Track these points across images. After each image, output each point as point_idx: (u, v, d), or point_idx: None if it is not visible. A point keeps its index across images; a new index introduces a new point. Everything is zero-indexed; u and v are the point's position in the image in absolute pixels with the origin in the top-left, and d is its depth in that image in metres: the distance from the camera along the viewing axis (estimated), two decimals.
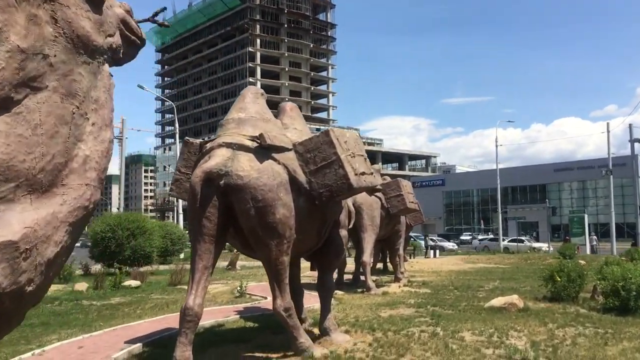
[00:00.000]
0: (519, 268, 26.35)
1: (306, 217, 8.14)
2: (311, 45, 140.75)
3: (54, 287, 19.54)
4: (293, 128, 9.12)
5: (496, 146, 50.24)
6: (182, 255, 39.59)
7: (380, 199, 16.30)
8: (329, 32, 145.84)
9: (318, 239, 8.84)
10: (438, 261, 32.40)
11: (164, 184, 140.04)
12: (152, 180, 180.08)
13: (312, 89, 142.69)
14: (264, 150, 7.74)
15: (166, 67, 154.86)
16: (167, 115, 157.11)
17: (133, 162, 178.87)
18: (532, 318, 11.07)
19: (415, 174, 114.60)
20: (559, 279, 13.54)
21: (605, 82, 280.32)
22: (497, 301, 12.14)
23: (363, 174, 8.29)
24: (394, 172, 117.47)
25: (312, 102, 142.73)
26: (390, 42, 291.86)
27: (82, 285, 18.73)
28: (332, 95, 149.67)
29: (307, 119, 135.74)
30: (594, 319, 11.16)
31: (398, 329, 9.91)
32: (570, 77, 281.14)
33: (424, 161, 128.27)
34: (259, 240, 7.63)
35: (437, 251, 38.61)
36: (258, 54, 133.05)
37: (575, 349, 8.55)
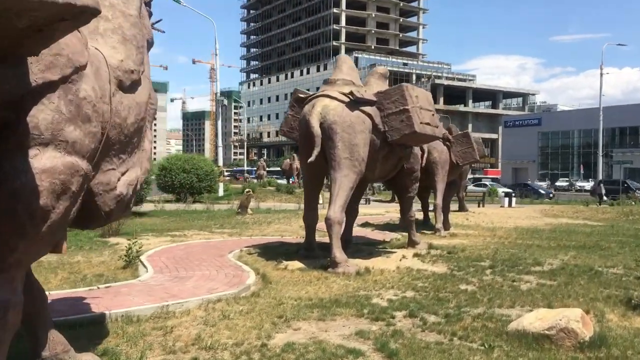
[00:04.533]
0: (614, 227, 19.11)
1: None
2: None
3: None
4: None
5: (601, 74, 41.11)
6: (220, 193, 35.09)
7: (370, 116, 9.96)
8: None
9: None
10: (509, 212, 25.49)
11: (249, 120, 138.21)
12: (237, 117, 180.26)
13: (401, 20, 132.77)
14: None
15: None
16: (251, 50, 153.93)
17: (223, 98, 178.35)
18: None
19: (510, 112, 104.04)
20: None
21: None
22: (536, 320, 5.70)
23: None
24: (486, 110, 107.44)
25: (401, 35, 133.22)
26: None
27: None
28: (423, 28, 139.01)
29: (395, 53, 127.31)
30: None
31: None
32: None
33: (520, 99, 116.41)
34: None
35: (513, 199, 31.39)
36: None
37: None
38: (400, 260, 10.46)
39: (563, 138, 78.29)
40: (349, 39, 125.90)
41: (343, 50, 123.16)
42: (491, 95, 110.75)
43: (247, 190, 22.46)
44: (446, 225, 17.63)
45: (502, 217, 22.59)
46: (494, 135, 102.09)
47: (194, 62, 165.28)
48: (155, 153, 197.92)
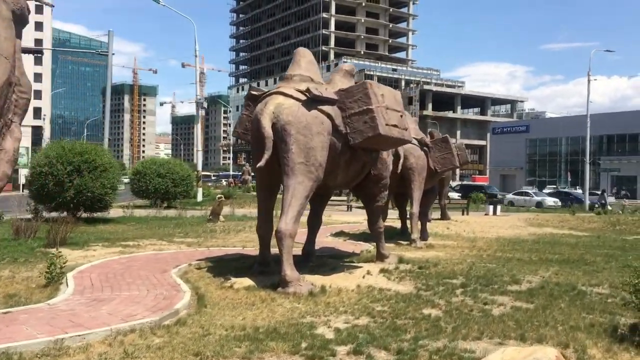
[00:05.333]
0: (600, 239, 18.22)
1: None
2: None
3: None
4: None
5: (588, 80, 40.36)
6: (199, 198, 33.89)
7: (330, 116, 8.93)
8: None
9: None
10: (493, 221, 24.56)
11: None
12: (226, 122, 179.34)
13: (391, 26, 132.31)
14: None
15: (241, 2, 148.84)
16: (241, 54, 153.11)
17: (212, 103, 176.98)
18: None
19: (498, 119, 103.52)
20: None
21: None
22: None
23: None
24: (474, 117, 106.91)
25: (390, 41, 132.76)
26: None
27: None
28: (412, 34, 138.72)
29: (384, 58, 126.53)
30: None
31: None
32: None
33: (509, 106, 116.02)
34: None
35: (498, 207, 30.49)
36: None
37: None
38: (364, 277, 9.41)
39: (551, 145, 77.78)
40: (338, 44, 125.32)
41: (332, 56, 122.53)
42: (480, 102, 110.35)
43: (218, 196, 21.34)
44: (424, 235, 16.66)
45: (485, 226, 21.66)
46: (482, 142, 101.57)
47: (183, 65, 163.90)
48: (143, 157, 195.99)
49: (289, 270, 8.12)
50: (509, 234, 19.03)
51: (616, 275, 10.45)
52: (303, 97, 8.76)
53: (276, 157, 8.59)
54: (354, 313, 7.02)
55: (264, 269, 9.42)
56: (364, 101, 9.00)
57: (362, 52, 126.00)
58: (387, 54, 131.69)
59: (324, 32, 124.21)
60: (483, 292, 8.47)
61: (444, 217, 24.38)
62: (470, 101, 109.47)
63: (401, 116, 9.57)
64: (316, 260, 10.82)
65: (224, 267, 10.02)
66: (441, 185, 23.74)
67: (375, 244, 11.65)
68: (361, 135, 9.02)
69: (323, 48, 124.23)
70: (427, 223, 22.23)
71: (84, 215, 20.32)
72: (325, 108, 8.89)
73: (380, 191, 10.66)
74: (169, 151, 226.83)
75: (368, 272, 9.74)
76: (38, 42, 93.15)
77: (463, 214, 28.85)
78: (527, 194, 44.39)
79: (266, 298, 7.68)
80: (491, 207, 30.00)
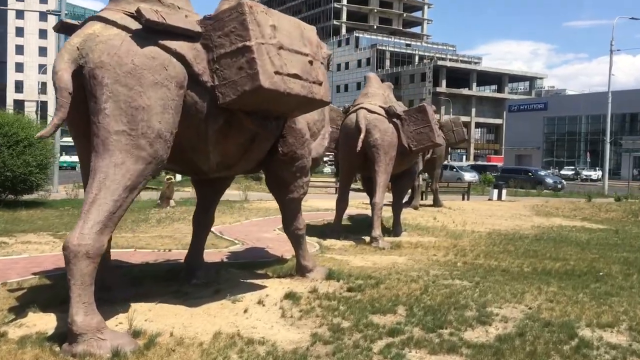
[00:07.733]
0: (619, 234, 14.73)
1: None
2: None
3: None
4: None
5: (610, 51, 36.31)
6: (177, 177, 30.79)
7: (183, 58, 5.55)
8: None
9: None
10: (494, 208, 21.05)
11: None
12: None
13: None
14: None
15: None
16: None
17: None
18: None
19: (515, 97, 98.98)
20: None
21: None
22: None
23: None
24: (490, 94, 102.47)
25: (405, 15, 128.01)
26: None
27: None
28: (428, 8, 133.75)
29: (398, 33, 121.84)
30: None
31: None
32: None
33: (527, 84, 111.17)
34: None
35: (504, 191, 26.88)
36: None
37: None
38: (246, 311, 6.08)
39: (570, 124, 73.56)
40: (351, 18, 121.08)
41: (344, 30, 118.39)
42: (497, 79, 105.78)
43: (167, 177, 18.07)
44: (397, 229, 13.34)
45: (481, 216, 18.22)
46: (498, 121, 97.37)
47: None
48: None
49: (81, 315, 4.77)
50: (507, 227, 15.58)
51: (639, 302, 7.09)
52: (136, 26, 5.40)
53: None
54: None
55: (103, 295, 6.13)
56: (238, 34, 5.59)
57: (375, 27, 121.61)
58: (401, 28, 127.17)
59: (335, 5, 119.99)
60: (419, 348, 5.12)
61: (435, 203, 20.97)
62: (486, 78, 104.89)
63: (310, 62, 6.13)
64: (205, 274, 7.51)
65: (61, 287, 6.79)
66: (432, 167, 20.37)
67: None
68: (234, 89, 5.61)
69: (334, 22, 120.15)
70: (415, 210, 18.98)
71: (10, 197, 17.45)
72: (176, 45, 5.50)
73: (294, 178, 7.26)
74: None
75: (260, 301, 6.40)
76: (42, 14, 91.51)
77: (463, 199, 25.45)
78: None
79: None
80: (495, 191, 26.44)
